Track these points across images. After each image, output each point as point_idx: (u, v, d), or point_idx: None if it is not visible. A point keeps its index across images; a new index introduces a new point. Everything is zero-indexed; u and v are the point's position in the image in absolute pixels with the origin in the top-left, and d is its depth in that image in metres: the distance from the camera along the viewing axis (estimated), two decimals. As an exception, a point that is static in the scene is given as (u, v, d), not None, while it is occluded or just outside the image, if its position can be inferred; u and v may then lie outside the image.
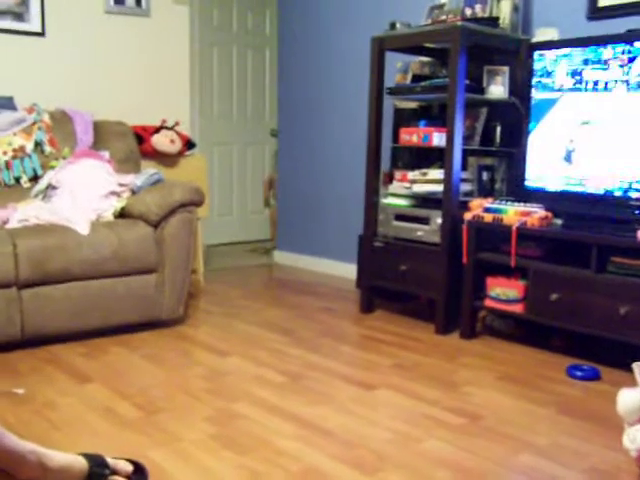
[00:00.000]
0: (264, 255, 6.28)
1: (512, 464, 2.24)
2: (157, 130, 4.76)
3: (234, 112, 6.72)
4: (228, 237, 6.77)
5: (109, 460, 1.86)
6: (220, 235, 6.63)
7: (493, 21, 3.73)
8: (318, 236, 5.54)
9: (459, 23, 3.56)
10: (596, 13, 3.68)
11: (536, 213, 3.42)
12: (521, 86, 3.81)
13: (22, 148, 4.06)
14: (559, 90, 3.43)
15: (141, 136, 4.66)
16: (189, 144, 4.91)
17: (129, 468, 1.88)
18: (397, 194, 4.06)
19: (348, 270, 5.20)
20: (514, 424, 2.57)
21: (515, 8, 3.79)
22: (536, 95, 3.53)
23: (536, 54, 3.52)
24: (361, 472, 2.17)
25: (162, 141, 4.68)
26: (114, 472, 1.84)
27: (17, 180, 4.05)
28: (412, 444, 2.39)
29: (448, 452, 2.33)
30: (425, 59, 4.32)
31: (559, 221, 3.47)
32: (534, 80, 3.53)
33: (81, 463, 1.80)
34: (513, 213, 3.48)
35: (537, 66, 3.51)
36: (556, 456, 2.31)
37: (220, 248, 6.47)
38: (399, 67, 4.43)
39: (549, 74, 3.46)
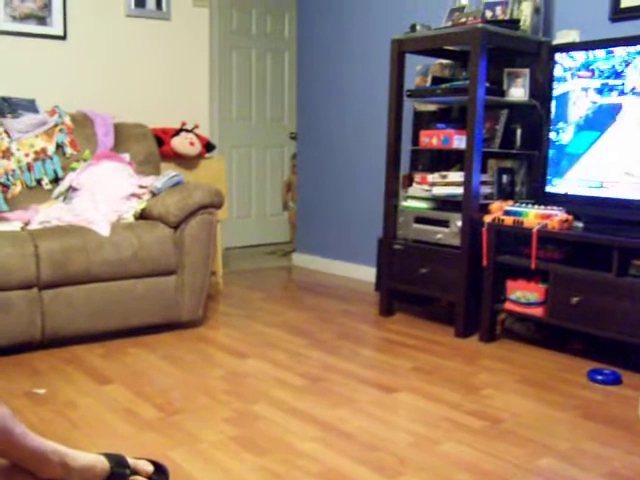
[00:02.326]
0: (283, 257, 6.28)
1: (533, 468, 2.23)
2: (177, 132, 4.78)
3: (253, 115, 6.73)
4: (247, 240, 6.77)
5: (130, 460, 1.86)
6: (239, 238, 6.64)
7: (514, 23, 3.71)
8: (337, 239, 5.53)
9: (480, 25, 3.55)
10: (619, 14, 3.65)
11: (556, 216, 3.40)
12: (542, 88, 3.78)
13: (44, 150, 4.09)
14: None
15: (161, 138, 4.68)
16: (208, 146, 4.93)
17: (149, 468, 1.88)
18: (417, 197, 4.05)
19: (367, 273, 5.19)
20: (534, 428, 2.56)
21: (536, 10, 3.77)
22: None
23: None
24: (382, 475, 2.16)
25: (182, 143, 4.70)
26: (135, 472, 1.85)
27: (38, 182, 4.08)
28: (432, 447, 2.38)
29: (468, 455, 2.32)
30: (445, 61, 4.31)
31: (580, 224, 3.45)
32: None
33: (102, 463, 1.81)
34: (533, 216, 3.46)
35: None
36: (577, 460, 2.30)
37: (238, 251, 6.48)
38: (419, 70, 4.43)
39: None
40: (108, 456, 1.84)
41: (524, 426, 2.57)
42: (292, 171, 6.56)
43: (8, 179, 3.98)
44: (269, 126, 6.85)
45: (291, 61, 6.85)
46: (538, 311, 3.45)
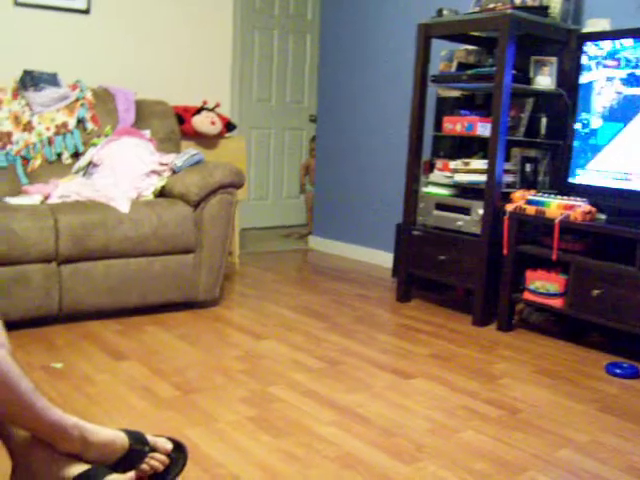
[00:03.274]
0: (299, 240, 6.26)
1: (551, 459, 2.21)
2: (198, 111, 4.75)
3: (273, 96, 6.70)
4: (263, 221, 6.76)
5: (149, 437, 1.85)
6: (255, 219, 6.63)
7: (544, 10, 3.66)
8: (354, 223, 5.51)
9: (509, 11, 3.50)
10: (650, 4, 3.60)
11: (579, 207, 3.36)
12: (569, 77, 3.74)
13: (65, 124, 4.08)
14: None
15: (182, 116, 4.66)
16: (229, 126, 4.90)
17: (169, 446, 1.87)
18: (438, 183, 4.02)
19: (383, 258, 5.17)
20: (553, 419, 2.54)
21: (567, -3, 3.72)
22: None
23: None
24: (400, 460, 2.15)
25: (203, 122, 4.68)
26: (154, 449, 1.84)
27: (59, 156, 4.07)
28: (450, 434, 2.36)
29: (487, 444, 2.30)
30: (470, 47, 4.26)
31: (602, 216, 3.41)
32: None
33: (122, 439, 1.80)
34: (556, 206, 3.42)
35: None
36: (596, 453, 2.28)
37: (255, 232, 6.47)
38: (443, 55, 4.39)
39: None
40: (127, 432, 1.83)
41: (542, 417, 2.55)
42: (311, 154, 6.54)
43: (29, 152, 3.97)
44: (289, 108, 6.82)
45: (313, 44, 6.81)
46: (557, 302, 3.43)
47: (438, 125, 4.28)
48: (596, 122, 3.46)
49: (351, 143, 5.51)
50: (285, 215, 6.92)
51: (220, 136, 4.85)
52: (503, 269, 3.62)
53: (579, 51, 3.52)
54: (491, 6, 3.75)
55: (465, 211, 3.81)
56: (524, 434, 2.39)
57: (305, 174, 6.60)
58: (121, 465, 1.78)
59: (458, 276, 3.85)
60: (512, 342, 3.48)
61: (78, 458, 1.73)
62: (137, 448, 1.81)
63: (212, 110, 4.81)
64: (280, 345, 3.28)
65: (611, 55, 3.39)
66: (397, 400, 2.66)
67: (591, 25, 3.66)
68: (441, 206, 3.94)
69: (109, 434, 1.79)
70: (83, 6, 4.59)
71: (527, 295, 3.55)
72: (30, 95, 4.03)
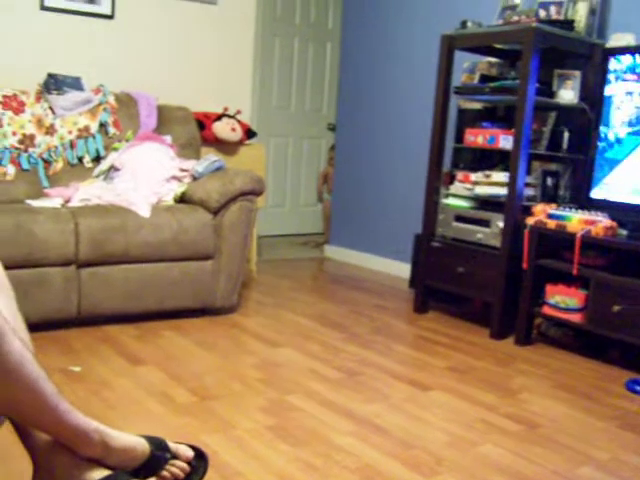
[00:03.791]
0: (315, 248, 6.26)
1: (572, 476, 2.19)
2: (219, 117, 4.76)
3: (292, 104, 6.71)
4: (279, 229, 6.76)
5: (170, 444, 1.85)
6: (272, 226, 6.63)
7: (568, 24, 3.65)
8: (372, 233, 5.50)
9: (534, 24, 3.49)
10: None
11: (601, 222, 3.34)
12: (592, 91, 3.72)
13: (87, 128, 4.09)
14: None
15: (202, 122, 4.67)
16: (249, 133, 4.91)
17: (190, 453, 1.86)
18: (458, 195, 4.01)
19: (400, 269, 5.16)
20: (572, 435, 2.52)
21: (592, 11, 3.71)
22: None
23: None
24: (418, 473, 2.14)
25: (223, 129, 4.69)
26: (175, 456, 1.83)
27: (80, 160, 4.08)
28: (469, 448, 2.35)
29: (506, 458, 2.28)
30: (493, 60, 4.25)
31: (624, 231, 3.39)
32: None
33: (143, 445, 1.79)
34: (577, 221, 3.41)
35: None
36: (617, 471, 2.26)
37: (271, 239, 6.47)
38: (466, 67, 4.38)
39: None
40: (149, 439, 1.82)
41: (562, 433, 2.53)
42: (329, 163, 6.54)
43: (50, 155, 3.98)
44: (307, 116, 6.82)
45: (333, 52, 6.82)
46: (577, 317, 3.41)
47: (459, 137, 4.27)
48: (615, 136, 3.44)
49: (370, 152, 5.51)
50: (302, 223, 6.92)
51: (240, 143, 4.86)
52: (522, 283, 3.60)
53: (604, 65, 3.51)
54: (515, 19, 3.74)
55: (485, 223, 3.79)
56: (544, 449, 2.37)
57: (323, 183, 6.60)
58: (142, 471, 1.77)
59: (476, 289, 3.83)
60: (530, 356, 3.46)
61: (99, 463, 1.72)
62: (158, 454, 1.80)
63: (233, 117, 4.82)
64: (297, 354, 3.27)
65: (631, 69, 3.37)
66: (415, 412, 2.64)
67: (615, 40, 3.64)
68: (461, 218, 3.93)
69: (130, 440, 1.78)
70: (107, 11, 4.62)
71: (546, 309, 3.53)
72: (53, 98, 4.05)
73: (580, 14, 3.70)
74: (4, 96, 3.92)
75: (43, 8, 4.40)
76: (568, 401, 2.86)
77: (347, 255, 5.72)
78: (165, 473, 1.80)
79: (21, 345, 1.51)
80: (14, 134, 3.89)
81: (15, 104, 3.93)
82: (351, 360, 3.22)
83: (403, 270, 5.09)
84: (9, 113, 3.90)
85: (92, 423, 1.72)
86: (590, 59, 3.76)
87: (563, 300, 3.46)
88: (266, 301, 4.24)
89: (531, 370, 3.24)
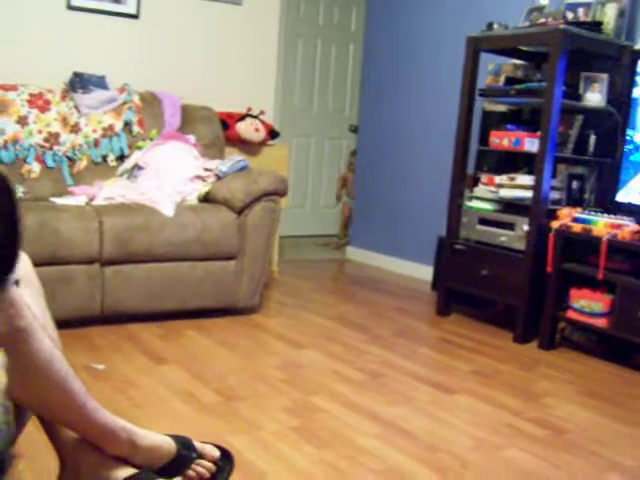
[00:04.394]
0: (335, 250, 6.25)
1: (599, 482, 2.17)
2: (242, 117, 4.76)
3: (314, 105, 6.70)
4: (300, 230, 6.75)
5: (197, 444, 1.84)
6: (292, 227, 6.62)
7: (597, 26, 3.62)
8: (393, 235, 5.48)
9: (562, 26, 3.46)
10: None
11: (627, 226, 3.31)
12: (620, 94, 3.69)
13: (111, 127, 4.11)
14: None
15: (226, 122, 4.67)
16: (272, 133, 4.91)
17: (216, 453, 1.86)
18: (482, 197, 3.99)
19: (422, 271, 5.13)
20: (599, 441, 2.49)
21: (621, 13, 3.67)
22: None
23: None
24: (444, 477, 2.12)
25: (247, 129, 4.69)
26: (201, 456, 1.83)
27: (104, 158, 4.09)
28: (495, 452, 2.33)
29: (532, 464, 2.26)
30: (518, 62, 4.23)
31: (651, 236, 3.36)
32: None
33: (169, 444, 1.79)
34: (603, 225, 3.38)
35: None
36: (645, 478, 2.23)
37: (291, 240, 6.46)
38: (491, 69, 4.35)
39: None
40: (175, 438, 1.82)
41: (588, 439, 2.50)
42: (349, 168, 6.54)
43: (75, 154, 4.00)
44: (330, 117, 6.82)
45: (356, 54, 6.81)
46: (602, 322, 3.37)
47: (483, 139, 4.25)
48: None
49: (392, 154, 5.49)
50: (322, 224, 6.91)
51: (263, 143, 4.86)
52: (547, 286, 3.57)
53: (632, 67, 3.48)
54: (542, 20, 3.72)
55: (509, 226, 3.77)
56: (571, 455, 2.35)
57: (342, 186, 6.60)
58: (168, 470, 1.77)
59: (500, 292, 3.81)
60: (554, 360, 3.43)
61: (126, 462, 1.72)
62: (184, 454, 1.80)
63: (256, 117, 4.82)
64: (320, 355, 3.26)
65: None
66: (440, 415, 2.62)
67: (644, 41, 3.61)
68: (485, 221, 3.91)
69: (157, 439, 1.78)
70: (133, 11, 4.63)
71: (571, 314, 3.50)
72: (78, 97, 4.07)
73: (609, 16, 3.67)
74: (30, 94, 3.94)
75: (69, 7, 4.42)
76: (593, 407, 2.84)
77: (369, 257, 5.71)
78: (191, 472, 1.79)
79: (51, 343, 1.51)
80: (40, 132, 3.91)
81: (41, 102, 3.95)
82: (374, 362, 3.21)
83: (425, 273, 5.06)
84: (35, 111, 3.92)
85: (119, 421, 1.72)
86: (618, 61, 3.73)
87: (588, 304, 3.43)
88: (288, 302, 4.23)
89: (555, 375, 3.21)
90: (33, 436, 1.82)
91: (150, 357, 3.06)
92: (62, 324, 3.23)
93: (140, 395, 2.61)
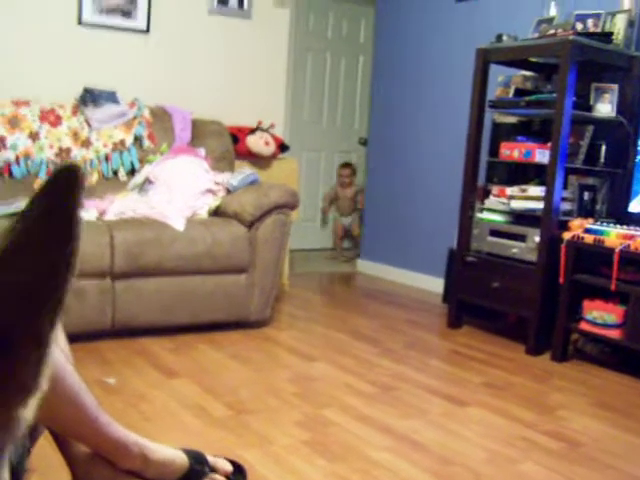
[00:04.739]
0: (347, 263, 6.24)
1: (615, 495, 2.15)
2: (252, 131, 4.78)
3: (324, 118, 6.71)
4: (309, 243, 6.74)
5: (209, 458, 1.84)
6: (302, 240, 6.61)
7: (607, 36, 3.61)
8: (404, 247, 5.47)
9: (571, 37, 3.46)
10: None
11: (640, 237, 3.30)
12: (631, 104, 3.68)
13: (122, 142, 4.12)
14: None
15: (236, 136, 4.69)
16: (282, 147, 4.92)
17: (228, 467, 1.85)
18: (493, 209, 3.98)
19: (433, 283, 5.12)
20: (615, 454, 2.47)
21: (630, 23, 3.67)
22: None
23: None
24: (458, 490, 2.11)
25: (257, 142, 4.70)
26: (213, 470, 1.82)
27: (115, 172, 4.11)
28: (509, 465, 2.31)
29: (548, 477, 2.24)
30: (528, 73, 4.22)
31: (664, 247, 3.34)
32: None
33: (182, 459, 1.78)
34: (615, 236, 3.36)
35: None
36: (661, 491, 2.21)
37: (301, 253, 6.46)
38: (500, 80, 4.35)
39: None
40: (187, 452, 1.81)
41: (604, 452, 2.48)
42: (338, 182, 6.46)
43: (86, 168, 4.02)
44: (339, 131, 6.82)
45: (365, 66, 6.82)
46: (615, 333, 3.35)
47: (493, 151, 4.24)
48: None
49: (402, 166, 5.49)
50: (332, 237, 6.90)
51: (273, 157, 4.87)
52: (559, 298, 3.56)
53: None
54: (552, 32, 3.72)
55: (520, 238, 3.76)
56: (585, 469, 2.33)
57: (330, 204, 6.55)
58: (180, 484, 1.76)
59: (512, 304, 3.79)
60: (567, 373, 3.41)
61: (138, 476, 1.71)
62: (197, 468, 1.79)
63: (266, 131, 4.83)
64: (332, 368, 3.25)
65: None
66: (452, 428, 2.61)
67: (655, 52, 3.60)
68: (496, 232, 3.90)
69: (169, 453, 1.78)
70: (143, 26, 4.66)
71: (584, 325, 3.48)
72: (89, 112, 4.09)
73: (618, 26, 3.66)
74: (42, 109, 3.96)
75: (80, 23, 4.45)
76: (608, 419, 2.81)
77: (379, 269, 5.70)
78: (204, 487, 1.79)
79: (62, 357, 1.51)
80: (51, 147, 3.93)
81: (52, 117, 3.97)
82: (386, 375, 3.19)
83: (436, 285, 5.04)
84: (46, 126, 3.94)
85: (131, 435, 1.72)
86: (628, 72, 3.72)
87: (601, 316, 3.41)
88: (299, 315, 4.23)
89: (569, 387, 3.19)
90: (46, 450, 1.81)
91: (161, 371, 3.06)
92: (73, 338, 3.23)
93: (151, 409, 2.61)
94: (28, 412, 0.61)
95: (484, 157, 4.27)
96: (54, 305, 0.63)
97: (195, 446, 1.93)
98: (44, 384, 0.64)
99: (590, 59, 3.60)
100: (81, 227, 0.59)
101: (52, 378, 1.56)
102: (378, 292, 5.09)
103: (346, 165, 6.51)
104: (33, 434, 1.63)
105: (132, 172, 4.15)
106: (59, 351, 1.50)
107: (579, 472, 2.29)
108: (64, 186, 0.58)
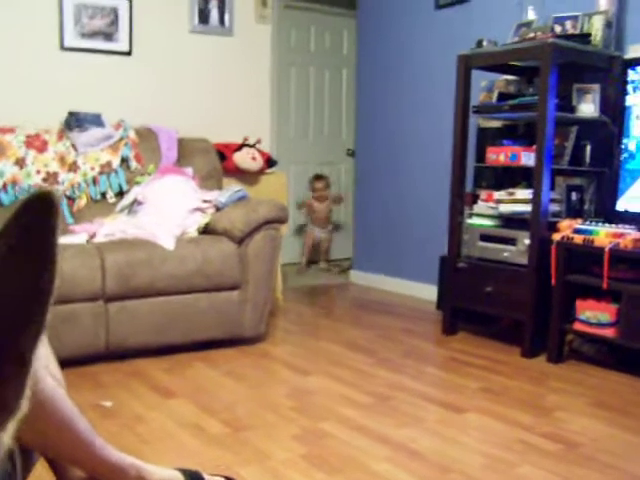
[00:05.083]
0: (340, 274, 6.24)
1: (615, 494, 2.15)
2: (239, 147, 4.78)
3: (311, 131, 6.73)
4: (301, 256, 6.73)
5: (206, 476, 1.84)
6: (294, 254, 6.62)
7: (585, 37, 3.64)
8: (395, 256, 5.48)
9: (550, 40, 3.48)
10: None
11: (629, 234, 3.31)
12: (613, 104, 3.70)
13: (109, 164, 4.13)
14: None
15: (223, 153, 4.69)
16: (270, 162, 4.93)
17: (226, 485, 1.85)
18: (482, 214, 3.99)
19: (426, 291, 5.12)
20: (613, 454, 2.47)
21: (608, 24, 3.69)
22: None
23: None
24: (458, 497, 2.10)
25: (244, 158, 4.71)
26: (210, 488, 1.82)
27: (103, 195, 4.11)
28: (508, 470, 2.31)
29: (546, 479, 2.24)
30: (510, 77, 4.25)
31: (653, 243, 3.35)
32: None
33: (178, 478, 1.78)
34: (604, 234, 3.37)
35: None
36: (661, 488, 2.21)
37: (294, 267, 6.45)
38: (483, 85, 4.37)
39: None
40: (184, 472, 1.81)
41: (603, 452, 2.48)
42: (313, 195, 6.41)
43: (74, 192, 4.02)
44: (326, 143, 6.84)
45: (349, 77, 6.84)
46: (609, 332, 3.36)
47: (480, 156, 4.26)
48: (637, 147, 3.41)
49: (391, 176, 5.50)
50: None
51: (261, 172, 4.87)
52: (552, 299, 3.56)
53: (623, 77, 3.49)
54: (531, 35, 3.74)
55: (511, 242, 3.77)
56: (584, 469, 2.33)
57: (307, 214, 6.53)
58: (178, 505, 1.76)
59: (505, 307, 3.79)
60: (564, 374, 3.41)
61: (135, 498, 1.71)
62: (194, 487, 1.79)
63: (253, 146, 4.84)
64: (328, 381, 3.24)
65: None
66: (450, 435, 2.61)
67: (634, 51, 3.63)
68: (486, 237, 3.91)
69: (166, 474, 1.77)
70: (125, 48, 4.67)
71: (578, 325, 3.49)
72: (75, 136, 4.09)
73: (596, 27, 3.69)
74: (27, 135, 3.96)
75: (62, 48, 4.46)
76: (606, 419, 2.81)
77: (372, 280, 5.70)
78: (202, 506, 1.78)
79: (53, 382, 1.51)
80: (38, 172, 3.93)
81: (38, 143, 3.98)
82: (382, 385, 3.19)
83: (429, 292, 5.05)
84: (33, 152, 3.94)
85: (127, 458, 1.71)
86: (609, 71, 3.74)
87: (594, 315, 3.41)
88: (294, 329, 4.22)
89: (566, 388, 3.19)
90: (42, 477, 1.81)
91: (157, 391, 3.05)
92: (67, 363, 3.22)
93: (148, 430, 2.60)
94: (6, 437, 0.61)
95: (471, 162, 4.29)
96: (35, 327, 0.64)
97: (193, 465, 1.93)
98: (24, 405, 0.64)
99: (570, 61, 3.62)
100: (57, 251, 0.60)
101: (44, 404, 1.56)
102: (372, 302, 5.09)
103: (320, 177, 6.46)
104: (28, 462, 1.62)
105: (120, 194, 4.15)
106: (50, 377, 1.50)
107: (578, 473, 2.29)
108: (39, 213, 0.59)
